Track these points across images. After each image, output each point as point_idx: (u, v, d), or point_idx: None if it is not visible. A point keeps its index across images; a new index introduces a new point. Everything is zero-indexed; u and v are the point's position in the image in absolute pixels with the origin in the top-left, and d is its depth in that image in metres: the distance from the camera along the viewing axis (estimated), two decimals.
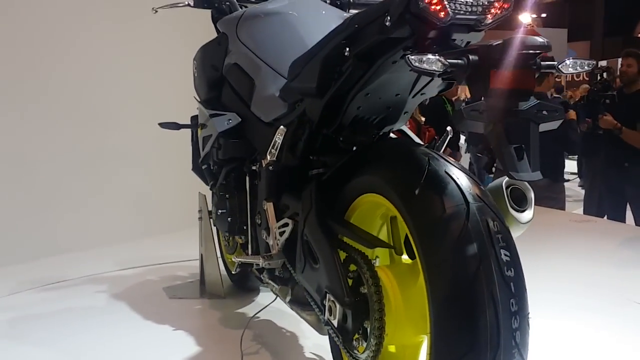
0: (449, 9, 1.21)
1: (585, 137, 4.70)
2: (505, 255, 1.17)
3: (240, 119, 2.09)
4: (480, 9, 1.23)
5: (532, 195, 1.48)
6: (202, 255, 2.64)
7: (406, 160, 1.34)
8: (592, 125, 4.47)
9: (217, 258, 2.62)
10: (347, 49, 1.43)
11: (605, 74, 4.90)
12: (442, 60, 1.15)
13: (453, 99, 7.81)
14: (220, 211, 2.25)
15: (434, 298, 1.19)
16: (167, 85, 3.68)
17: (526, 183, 1.47)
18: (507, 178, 1.46)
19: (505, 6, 1.26)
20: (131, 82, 3.73)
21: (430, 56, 1.16)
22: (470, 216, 1.18)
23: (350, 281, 1.44)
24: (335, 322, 1.45)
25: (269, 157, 1.77)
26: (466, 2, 1.22)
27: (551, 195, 4.45)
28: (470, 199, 1.20)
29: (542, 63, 1.19)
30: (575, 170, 8.70)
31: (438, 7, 1.21)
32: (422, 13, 1.21)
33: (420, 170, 1.26)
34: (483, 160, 4.56)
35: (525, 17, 15.42)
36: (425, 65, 1.16)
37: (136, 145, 3.78)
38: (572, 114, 4.78)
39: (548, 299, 2.50)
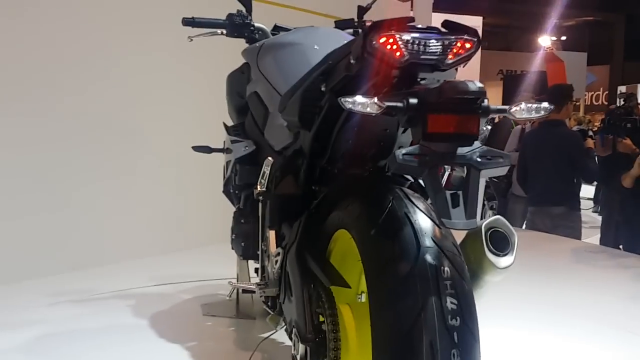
0: (404, 50, 1.19)
1: (604, 164, 4.67)
2: (452, 303, 1.12)
3: (255, 147, 2.14)
4: (440, 49, 1.21)
5: (515, 239, 1.41)
6: (237, 274, 2.65)
7: (369, 198, 1.33)
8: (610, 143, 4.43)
9: (250, 279, 2.63)
10: (324, 83, 1.45)
11: (626, 100, 4.89)
12: (378, 102, 1.13)
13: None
14: (234, 235, 2.29)
15: (375, 343, 1.17)
16: (203, 107, 3.75)
17: (509, 226, 1.40)
18: (490, 219, 1.40)
19: (468, 46, 1.23)
20: (167, 103, 3.79)
21: (361, 98, 1.14)
22: (419, 260, 1.14)
23: (321, 318, 1.44)
24: (298, 358, 1.45)
25: (258, 187, 1.79)
26: (425, 42, 1.20)
27: (567, 224, 4.43)
28: (424, 242, 1.17)
29: (491, 107, 1.15)
30: (592, 196, 8.64)
31: (394, 47, 1.19)
32: (377, 53, 1.20)
33: (380, 210, 1.24)
34: (500, 185, 4.56)
35: (545, 40, 15.41)
36: (359, 107, 1.14)
37: (172, 163, 3.80)
38: (590, 142, 4.76)
39: (550, 331, 2.52)
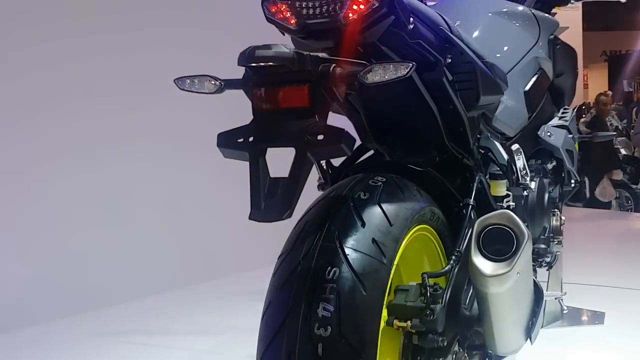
0: (294, 16, 1.04)
1: None
2: (325, 310, 0.93)
3: None
4: (332, 7, 1.02)
5: (524, 240, 1.07)
6: None
7: (330, 193, 1.13)
8: None
9: None
10: None
11: None
12: (212, 80, 1.04)
13: None
14: None
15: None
16: None
17: (519, 223, 1.11)
18: (491, 213, 1.14)
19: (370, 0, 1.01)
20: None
21: (195, 77, 1.05)
22: (304, 260, 0.97)
23: None
24: None
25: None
26: (315, 3, 1.03)
27: None
28: (323, 238, 0.99)
29: (336, 72, 0.97)
30: None
31: (287, 15, 1.05)
32: (275, 24, 1.08)
33: (318, 202, 1.09)
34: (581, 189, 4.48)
35: None
36: (194, 88, 1.05)
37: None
38: None
39: None
